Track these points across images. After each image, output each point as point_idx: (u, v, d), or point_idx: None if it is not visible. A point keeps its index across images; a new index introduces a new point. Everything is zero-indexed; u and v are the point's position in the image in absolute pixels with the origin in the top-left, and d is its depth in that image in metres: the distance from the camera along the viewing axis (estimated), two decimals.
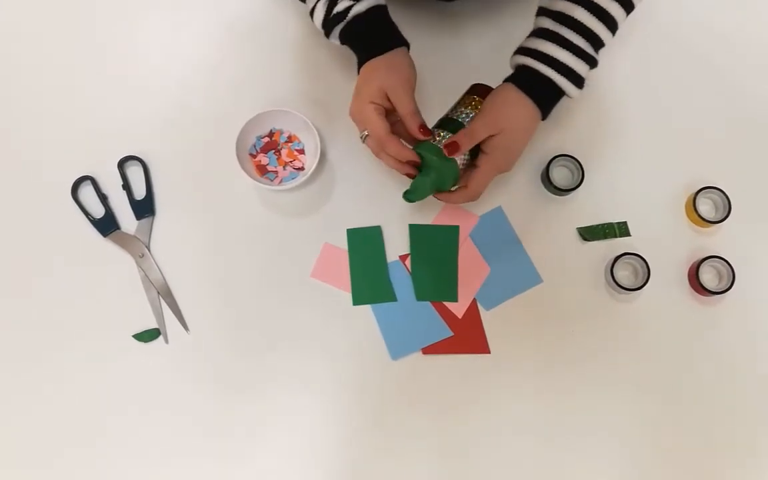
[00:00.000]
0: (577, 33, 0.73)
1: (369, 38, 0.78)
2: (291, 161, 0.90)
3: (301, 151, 0.91)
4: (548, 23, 0.75)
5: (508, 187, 0.91)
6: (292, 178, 0.89)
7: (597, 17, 0.73)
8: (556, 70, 0.74)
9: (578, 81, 0.75)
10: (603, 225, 0.90)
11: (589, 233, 0.89)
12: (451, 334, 0.85)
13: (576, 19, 0.73)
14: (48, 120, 0.94)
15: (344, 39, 0.79)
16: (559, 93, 0.76)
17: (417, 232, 0.89)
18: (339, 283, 0.87)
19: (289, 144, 0.91)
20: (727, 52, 0.98)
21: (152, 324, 0.85)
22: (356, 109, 0.77)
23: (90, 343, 0.84)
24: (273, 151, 0.91)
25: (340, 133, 0.93)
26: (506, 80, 0.79)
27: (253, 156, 0.90)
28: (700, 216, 0.88)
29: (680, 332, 0.87)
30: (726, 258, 0.86)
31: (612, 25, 0.74)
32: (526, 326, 0.86)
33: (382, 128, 0.75)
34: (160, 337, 0.85)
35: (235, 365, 0.84)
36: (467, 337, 0.85)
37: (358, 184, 0.91)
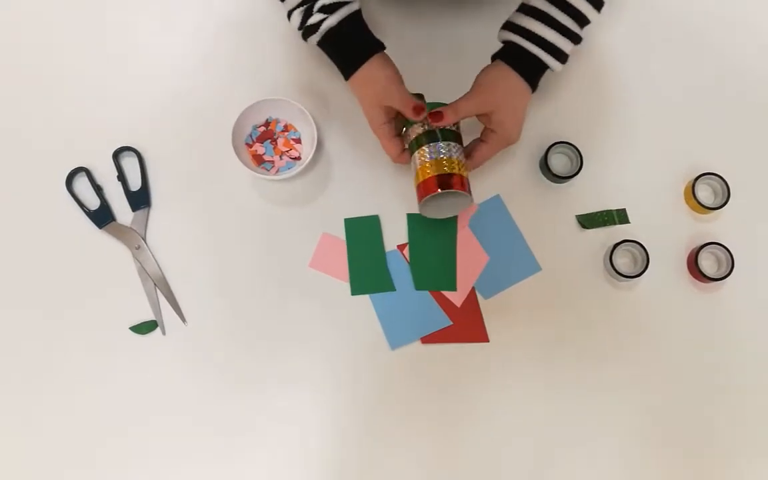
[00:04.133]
0: (565, 13, 0.76)
1: (344, 51, 0.79)
2: (287, 151, 0.90)
3: (298, 141, 0.91)
4: (538, 2, 0.77)
5: (506, 175, 0.90)
6: (289, 168, 0.89)
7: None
8: (542, 49, 0.77)
9: (563, 57, 0.78)
10: (602, 212, 0.89)
11: (588, 221, 0.89)
12: (450, 323, 0.85)
13: (564, 0, 0.76)
14: (42, 111, 0.92)
15: (321, 48, 0.80)
16: (543, 67, 0.79)
17: (415, 221, 0.88)
18: (337, 273, 0.86)
19: (286, 133, 0.90)
20: (726, 37, 0.98)
21: (149, 316, 0.85)
22: (374, 130, 0.81)
23: (86, 335, 0.84)
24: (269, 140, 0.90)
25: (336, 122, 0.92)
26: (495, 57, 0.81)
27: (250, 146, 0.90)
28: (699, 202, 0.88)
29: (679, 319, 0.87)
30: (725, 244, 0.86)
31: (597, 3, 0.77)
32: (525, 314, 0.86)
33: (394, 151, 0.81)
34: (158, 330, 0.84)
35: (233, 356, 0.84)
36: (466, 326, 0.85)
37: (356, 174, 0.90)
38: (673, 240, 0.89)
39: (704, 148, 0.92)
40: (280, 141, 0.90)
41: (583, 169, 0.89)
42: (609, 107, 0.94)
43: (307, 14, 0.77)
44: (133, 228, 0.87)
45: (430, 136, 0.79)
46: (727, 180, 0.88)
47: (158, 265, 0.86)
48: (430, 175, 0.77)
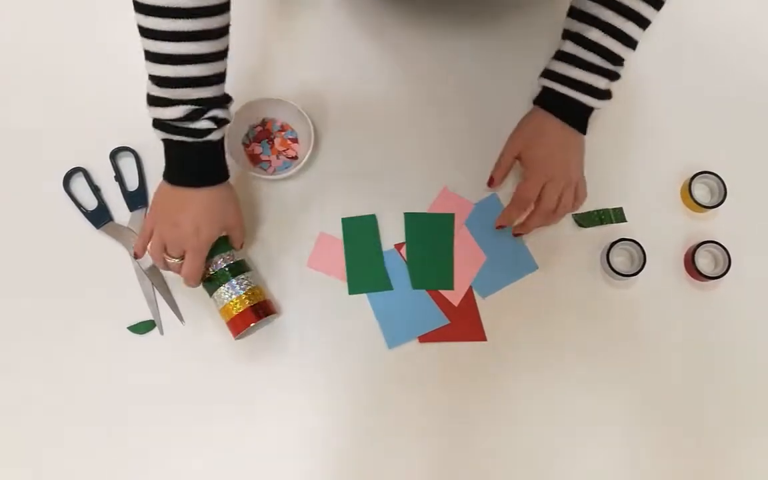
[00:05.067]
0: (593, 52, 0.76)
1: (208, 163, 0.75)
2: (284, 150, 0.90)
3: (295, 140, 0.91)
4: (568, 46, 0.78)
5: None
6: (286, 168, 0.89)
7: (612, 36, 0.76)
8: (573, 88, 0.78)
9: (598, 93, 0.78)
10: (598, 211, 0.90)
11: (585, 219, 0.89)
12: (448, 322, 0.85)
13: (590, 40, 0.76)
14: (39, 111, 0.92)
15: (173, 144, 0.73)
16: (583, 107, 0.80)
17: (412, 220, 0.88)
18: (335, 272, 0.87)
19: (282, 133, 0.90)
20: (722, 36, 0.98)
21: (147, 316, 0.85)
22: (198, 246, 0.76)
23: (84, 335, 0.84)
24: (266, 140, 0.90)
25: (333, 122, 0.92)
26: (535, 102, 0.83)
27: (246, 145, 0.90)
28: (695, 201, 0.88)
29: (676, 317, 0.87)
30: (722, 243, 0.86)
31: (628, 40, 0.76)
32: (522, 313, 0.86)
33: (200, 274, 0.79)
34: (156, 329, 0.84)
35: (231, 356, 0.84)
36: (463, 325, 0.85)
37: (353, 173, 0.90)
38: (669, 238, 0.89)
39: (701, 147, 0.92)
40: (277, 140, 0.90)
41: None
42: (606, 106, 0.94)
43: (195, 115, 0.71)
44: (130, 228, 0.87)
45: (233, 270, 0.80)
46: (723, 179, 0.88)
47: (156, 265, 0.86)
48: (246, 306, 0.80)
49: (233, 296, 0.80)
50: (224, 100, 0.75)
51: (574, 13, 0.78)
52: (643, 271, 0.85)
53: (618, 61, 0.78)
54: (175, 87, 0.70)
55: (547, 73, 0.80)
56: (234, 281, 0.80)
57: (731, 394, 0.85)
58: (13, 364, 0.83)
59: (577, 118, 0.81)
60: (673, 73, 0.96)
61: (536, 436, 0.83)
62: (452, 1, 0.98)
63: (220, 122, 0.74)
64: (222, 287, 0.80)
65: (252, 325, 0.80)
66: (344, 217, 0.88)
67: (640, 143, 0.93)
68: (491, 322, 0.85)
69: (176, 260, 0.77)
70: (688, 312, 0.87)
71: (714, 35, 0.98)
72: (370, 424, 0.83)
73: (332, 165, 0.91)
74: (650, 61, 0.97)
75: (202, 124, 0.72)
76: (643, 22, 0.76)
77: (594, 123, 0.93)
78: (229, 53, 0.94)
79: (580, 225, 0.89)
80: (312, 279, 0.86)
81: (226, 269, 0.81)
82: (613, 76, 0.78)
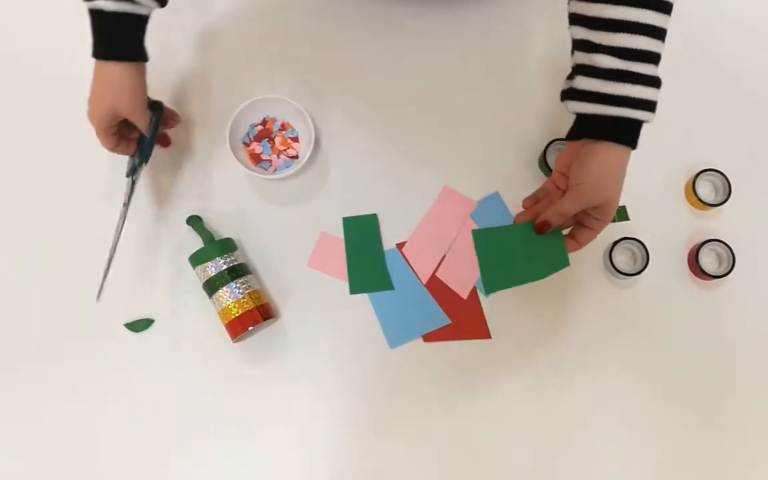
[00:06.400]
0: (647, 62, 0.67)
1: (112, 37, 0.74)
2: (285, 150, 0.89)
3: (295, 139, 0.90)
4: (613, 62, 0.66)
5: (505, 173, 0.90)
6: (287, 167, 0.88)
7: (656, 38, 0.68)
8: (644, 109, 0.68)
9: (654, 107, 0.69)
10: None
11: None
12: (449, 321, 0.84)
13: (644, 50, 0.66)
14: (42, 111, 0.92)
15: (90, 18, 0.73)
16: (638, 123, 0.69)
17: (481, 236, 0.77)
18: (336, 272, 0.86)
19: (283, 132, 0.90)
20: (726, 32, 0.97)
21: (144, 313, 0.84)
22: (91, 115, 0.77)
23: (82, 329, 0.84)
24: (267, 139, 0.89)
25: (334, 121, 0.92)
26: (575, 133, 0.70)
27: (247, 145, 0.89)
28: (699, 199, 0.87)
29: (680, 316, 0.86)
30: (726, 241, 0.86)
31: (664, 35, 0.68)
32: (526, 312, 0.85)
33: (108, 145, 0.78)
34: (153, 327, 0.84)
35: (231, 356, 0.84)
36: (468, 323, 0.85)
37: (353, 172, 0.90)
38: (673, 237, 0.89)
39: (705, 144, 0.91)
40: (278, 140, 0.89)
41: None
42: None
43: None
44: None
45: (233, 273, 0.81)
46: (728, 176, 0.88)
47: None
48: (246, 309, 0.80)
49: (232, 299, 0.80)
50: None
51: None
52: (646, 270, 0.84)
53: (659, 61, 0.68)
54: None
55: (601, 97, 0.67)
56: (233, 284, 0.80)
57: (735, 393, 0.84)
58: (6, 351, 0.84)
59: (634, 135, 0.69)
60: (676, 69, 0.95)
61: (541, 432, 0.82)
62: (452, 1, 0.97)
63: None
64: (221, 290, 0.80)
65: (250, 328, 0.80)
66: (345, 216, 0.88)
67: (643, 140, 0.91)
68: (494, 320, 0.85)
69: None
70: (691, 311, 0.86)
71: (719, 32, 0.97)
72: (371, 425, 0.82)
73: (333, 164, 0.90)
74: None
75: None
76: (667, 6, 0.68)
77: None
78: (230, 53, 0.95)
79: None
80: (312, 279, 0.86)
81: (226, 272, 0.81)
82: (659, 84, 0.69)
